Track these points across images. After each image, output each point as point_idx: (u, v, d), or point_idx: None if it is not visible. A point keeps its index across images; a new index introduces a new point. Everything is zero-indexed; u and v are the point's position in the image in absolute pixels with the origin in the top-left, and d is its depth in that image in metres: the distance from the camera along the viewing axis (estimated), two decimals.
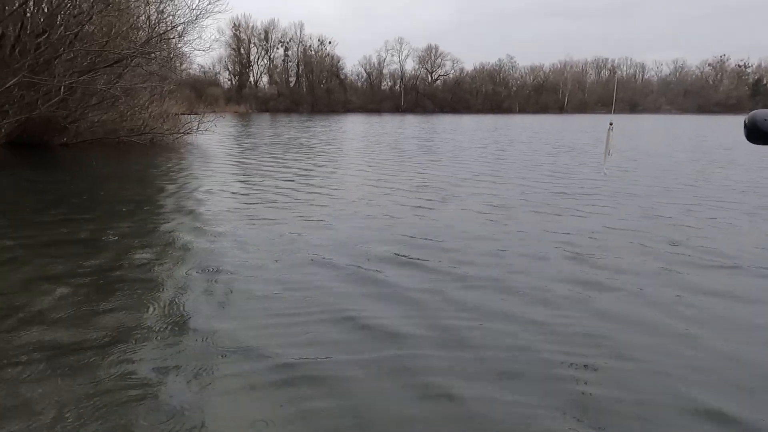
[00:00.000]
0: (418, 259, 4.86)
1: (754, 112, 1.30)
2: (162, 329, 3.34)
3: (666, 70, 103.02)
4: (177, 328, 3.36)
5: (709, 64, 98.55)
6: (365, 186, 9.39)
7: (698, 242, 5.55)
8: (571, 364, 2.94)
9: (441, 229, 6.05)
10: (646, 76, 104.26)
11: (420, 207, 7.41)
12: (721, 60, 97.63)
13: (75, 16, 14.73)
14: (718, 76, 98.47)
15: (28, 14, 14.71)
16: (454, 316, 3.57)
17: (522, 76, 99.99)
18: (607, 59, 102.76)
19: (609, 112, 75.18)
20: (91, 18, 14.96)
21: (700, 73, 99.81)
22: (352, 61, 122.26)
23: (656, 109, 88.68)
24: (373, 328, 3.39)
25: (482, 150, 17.45)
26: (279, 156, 14.88)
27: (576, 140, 22.79)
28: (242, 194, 8.47)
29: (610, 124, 3.06)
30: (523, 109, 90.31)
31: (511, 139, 23.26)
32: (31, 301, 3.77)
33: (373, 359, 2.97)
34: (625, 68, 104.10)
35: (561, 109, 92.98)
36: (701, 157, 15.37)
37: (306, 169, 11.70)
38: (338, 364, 2.92)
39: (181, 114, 22.16)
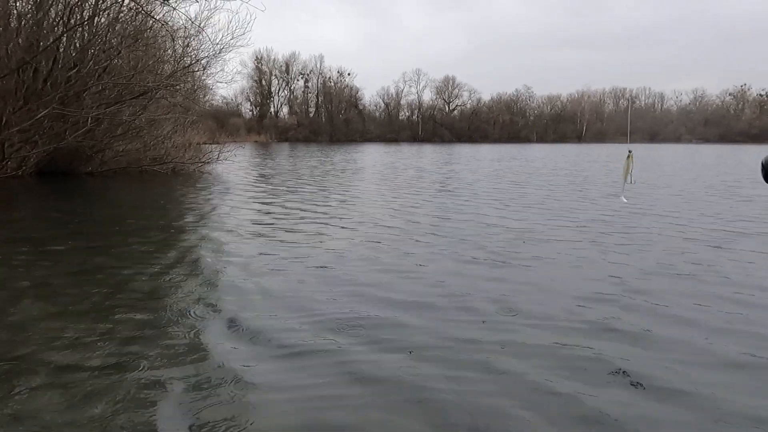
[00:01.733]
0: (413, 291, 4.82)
1: None
2: (179, 360, 3.33)
3: (686, 99, 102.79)
4: (194, 359, 3.35)
5: (729, 94, 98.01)
6: (387, 217, 9.39)
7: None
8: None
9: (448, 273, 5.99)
10: (665, 106, 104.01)
11: (428, 244, 7.36)
12: (742, 89, 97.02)
13: (105, 51, 15.39)
14: (740, 105, 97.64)
15: (61, 49, 15.42)
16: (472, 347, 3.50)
17: (539, 106, 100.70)
18: (625, 89, 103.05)
19: (629, 141, 74.71)
20: (119, 53, 15.61)
21: (720, 102, 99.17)
22: (370, 92, 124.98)
23: (676, 139, 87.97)
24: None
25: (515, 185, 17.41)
26: (296, 185, 15.06)
27: (592, 170, 22.62)
28: (259, 222, 8.54)
29: (629, 151, 3.03)
30: (541, 139, 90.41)
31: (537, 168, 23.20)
32: (51, 326, 3.81)
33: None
34: (643, 98, 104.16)
35: (579, 139, 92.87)
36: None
37: (323, 198, 11.79)
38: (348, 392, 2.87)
39: (203, 144, 22.73)
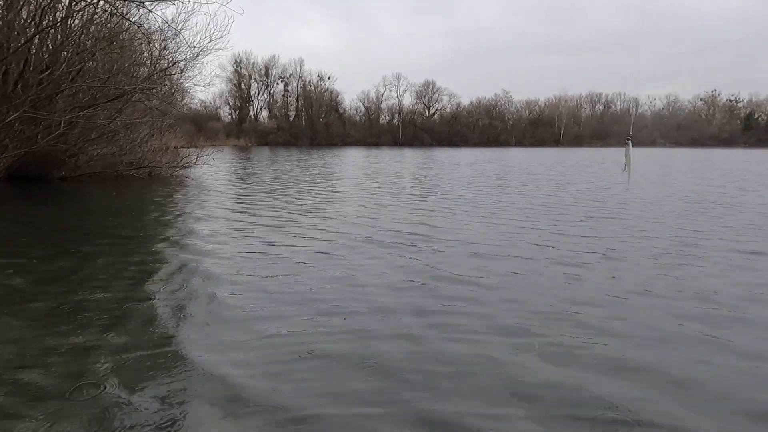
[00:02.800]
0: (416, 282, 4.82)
1: None
2: (155, 361, 3.28)
3: (659, 105, 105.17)
4: (169, 360, 3.30)
5: (701, 99, 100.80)
6: (364, 217, 9.38)
7: None
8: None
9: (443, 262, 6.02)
10: (639, 111, 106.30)
11: (414, 245, 7.38)
12: (712, 95, 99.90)
13: (78, 53, 15.06)
14: (711, 110, 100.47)
15: (33, 51, 15.04)
16: (450, 344, 3.51)
17: (518, 110, 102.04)
18: (601, 94, 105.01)
19: (604, 145, 76.15)
20: (94, 55, 15.30)
21: (692, 108, 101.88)
22: (350, 96, 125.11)
23: (651, 143, 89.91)
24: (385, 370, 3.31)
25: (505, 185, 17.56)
26: (275, 189, 14.94)
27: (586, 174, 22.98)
28: (234, 226, 8.45)
29: (628, 139, 2.97)
30: (520, 143, 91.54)
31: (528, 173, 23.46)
32: (24, 333, 3.70)
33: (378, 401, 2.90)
34: (618, 103, 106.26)
35: (557, 143, 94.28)
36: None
37: (302, 201, 11.73)
38: (324, 398, 2.84)
39: (181, 147, 22.42)
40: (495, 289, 5.01)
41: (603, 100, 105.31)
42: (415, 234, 7.87)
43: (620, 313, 4.32)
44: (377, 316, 4.23)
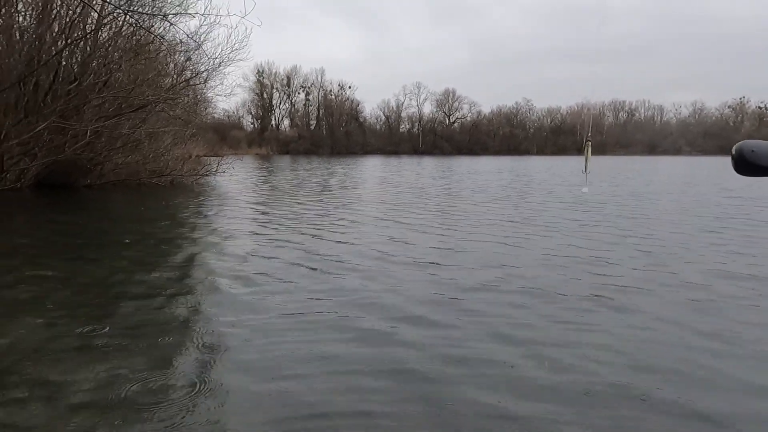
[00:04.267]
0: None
1: (741, 143, 1.28)
2: (179, 369, 3.34)
3: (685, 112, 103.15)
4: (186, 371, 3.35)
5: (729, 106, 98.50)
6: (385, 226, 9.41)
7: None
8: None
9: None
10: (664, 118, 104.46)
11: (440, 251, 7.37)
12: (741, 102, 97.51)
13: (105, 65, 15.57)
14: (739, 117, 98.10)
15: (63, 63, 15.60)
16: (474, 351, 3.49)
17: (539, 119, 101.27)
18: (624, 101, 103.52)
19: (628, 154, 74.99)
20: (120, 66, 15.79)
21: (720, 115, 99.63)
22: (371, 105, 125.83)
23: (676, 151, 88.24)
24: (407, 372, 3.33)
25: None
26: (296, 196, 15.10)
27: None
28: (255, 234, 8.57)
29: (587, 140, 3.01)
30: (541, 151, 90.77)
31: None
32: (48, 338, 3.82)
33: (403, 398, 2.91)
34: (643, 110, 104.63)
35: (579, 151, 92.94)
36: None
37: (323, 210, 11.82)
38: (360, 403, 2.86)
39: (203, 156, 22.86)
40: (513, 305, 4.96)
41: (626, 108, 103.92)
42: (437, 247, 7.85)
43: (635, 336, 4.22)
44: (396, 325, 4.24)
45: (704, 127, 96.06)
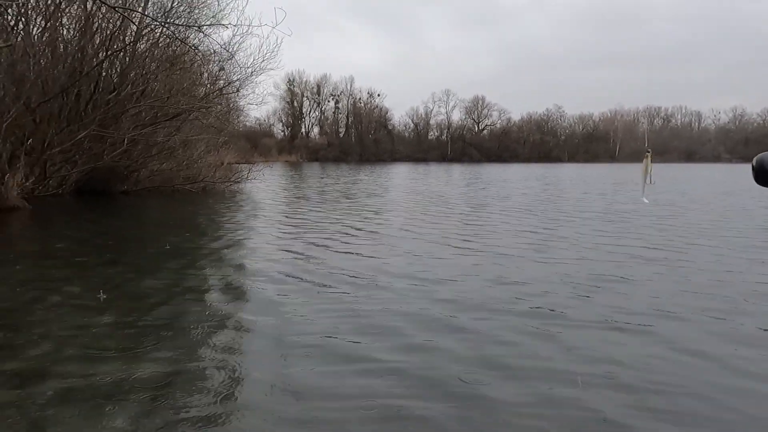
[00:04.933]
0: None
1: (761, 154, 1.29)
2: (207, 373, 3.40)
3: (724, 118, 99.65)
4: (221, 371, 3.41)
5: None
6: (415, 237, 9.38)
7: None
8: None
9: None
10: (702, 125, 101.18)
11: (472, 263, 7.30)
12: None
13: (143, 75, 16.10)
14: None
15: (103, 73, 16.21)
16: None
17: (571, 125, 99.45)
18: (659, 107, 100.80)
19: (663, 161, 72.94)
20: (156, 77, 16.30)
21: (762, 121, 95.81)
22: (399, 112, 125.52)
23: (715, 158, 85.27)
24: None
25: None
26: (325, 203, 15.23)
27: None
28: (285, 240, 8.67)
29: (648, 151, 2.96)
30: (573, 158, 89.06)
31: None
32: (82, 337, 3.95)
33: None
34: (679, 116, 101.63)
35: (612, 158, 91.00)
36: None
37: (353, 217, 11.88)
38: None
39: (235, 163, 23.33)
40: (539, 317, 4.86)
41: (662, 114, 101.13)
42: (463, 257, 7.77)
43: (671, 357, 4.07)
44: (420, 333, 4.21)
45: (745, 134, 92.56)
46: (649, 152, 2.95)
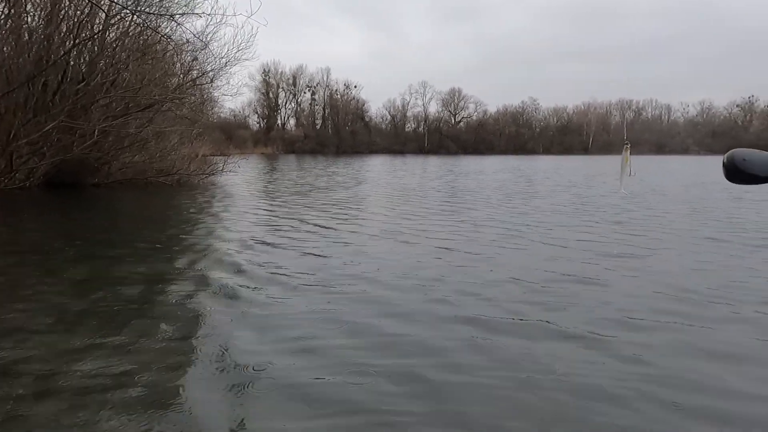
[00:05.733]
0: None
1: (732, 151, 1.29)
2: (184, 365, 3.40)
3: (693, 111, 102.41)
4: (200, 362, 3.41)
5: (737, 105, 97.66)
6: (392, 225, 9.45)
7: None
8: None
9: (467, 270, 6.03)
10: (672, 117, 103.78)
11: (448, 249, 7.40)
12: (749, 101, 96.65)
13: (113, 65, 15.69)
14: (748, 117, 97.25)
15: (71, 63, 15.73)
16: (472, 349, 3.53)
17: (545, 118, 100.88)
18: (631, 100, 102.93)
19: (635, 153, 74.60)
20: (127, 66, 15.91)
21: (728, 114, 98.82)
22: (376, 104, 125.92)
23: (684, 150, 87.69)
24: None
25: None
26: (299, 196, 15.17)
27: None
28: (261, 232, 8.63)
29: (626, 143, 3.03)
30: (547, 150, 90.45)
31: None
32: (52, 335, 3.89)
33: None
34: (650, 109, 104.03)
35: (586, 150, 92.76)
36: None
37: (329, 208, 11.87)
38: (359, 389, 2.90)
39: (209, 155, 22.98)
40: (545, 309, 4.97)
41: (633, 107, 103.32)
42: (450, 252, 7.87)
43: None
44: (407, 326, 4.28)
45: (712, 127, 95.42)
46: (627, 144, 3.02)
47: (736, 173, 1.27)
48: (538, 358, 3.53)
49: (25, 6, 14.89)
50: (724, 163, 1.28)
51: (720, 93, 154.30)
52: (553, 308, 4.62)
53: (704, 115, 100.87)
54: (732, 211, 11.76)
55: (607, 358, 3.54)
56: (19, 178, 14.78)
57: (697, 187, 19.87)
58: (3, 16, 14.38)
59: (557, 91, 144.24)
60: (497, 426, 2.74)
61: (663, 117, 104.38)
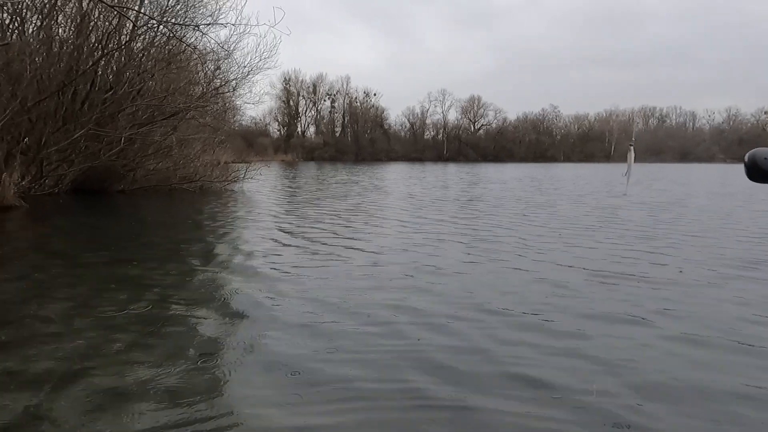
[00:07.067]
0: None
1: (754, 150, 1.29)
2: (203, 369, 3.40)
3: (719, 119, 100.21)
4: (217, 369, 3.42)
5: (765, 112, 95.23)
6: (409, 235, 9.41)
7: None
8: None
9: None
10: (697, 125, 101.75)
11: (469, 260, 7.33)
12: None
13: (139, 74, 16.06)
14: None
15: (99, 73, 16.14)
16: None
17: (566, 125, 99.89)
18: (654, 108, 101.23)
19: (658, 161, 73.43)
20: (153, 75, 16.26)
21: (756, 121, 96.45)
22: (395, 112, 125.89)
23: (709, 159, 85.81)
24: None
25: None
26: (321, 203, 15.24)
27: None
28: (284, 240, 8.67)
29: (630, 145, 2.99)
30: (568, 158, 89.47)
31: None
32: (77, 335, 3.95)
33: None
34: (674, 116, 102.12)
35: (608, 158, 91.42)
36: None
37: (349, 216, 11.89)
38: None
39: (230, 163, 23.29)
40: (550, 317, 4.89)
41: (657, 114, 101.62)
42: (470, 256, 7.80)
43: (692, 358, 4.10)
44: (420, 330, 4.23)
45: (739, 134, 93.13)
46: (631, 145, 2.98)
47: (758, 172, 1.28)
48: None
49: (57, 17, 15.36)
50: (745, 162, 1.29)
51: (747, 100, 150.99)
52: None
53: (731, 123, 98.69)
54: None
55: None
56: (48, 185, 15.16)
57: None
58: (35, 28, 14.85)
59: (578, 98, 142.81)
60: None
61: (687, 124, 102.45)
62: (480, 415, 2.91)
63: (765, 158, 1.26)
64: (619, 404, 3.00)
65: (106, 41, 15.36)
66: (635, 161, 2.93)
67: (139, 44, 16.74)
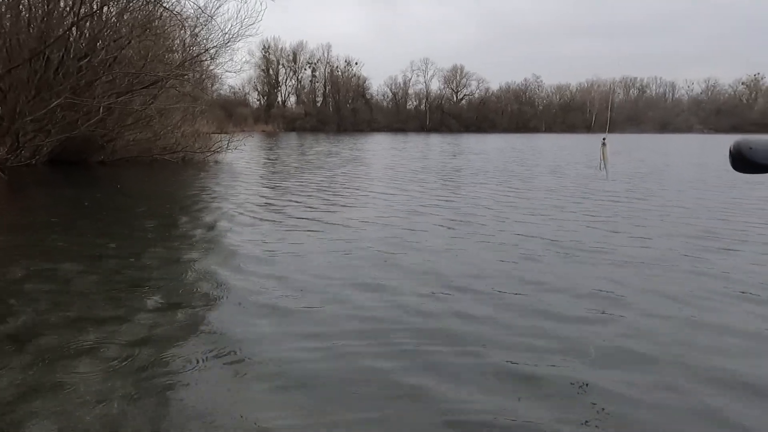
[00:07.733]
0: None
1: (738, 139, 1.23)
2: (188, 338, 3.48)
3: (697, 89, 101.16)
4: (201, 337, 3.50)
5: (742, 83, 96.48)
6: (391, 206, 9.49)
7: None
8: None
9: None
10: (676, 95, 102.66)
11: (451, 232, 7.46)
12: (755, 78, 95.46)
13: (115, 41, 15.50)
14: (753, 95, 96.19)
15: (72, 39, 15.53)
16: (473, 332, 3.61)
17: (548, 96, 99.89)
18: (635, 78, 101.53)
19: (639, 131, 74.21)
20: (129, 42, 15.71)
21: (733, 92, 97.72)
22: (377, 81, 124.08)
23: (687, 129, 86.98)
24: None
25: None
26: (302, 176, 15.18)
27: None
28: (268, 210, 8.68)
29: (603, 139, 3.04)
30: (550, 128, 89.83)
31: None
32: (60, 308, 3.97)
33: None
34: (654, 87, 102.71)
35: (588, 129, 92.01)
36: None
37: (331, 187, 11.90)
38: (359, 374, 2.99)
39: (212, 133, 22.88)
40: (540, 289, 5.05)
41: (638, 85, 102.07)
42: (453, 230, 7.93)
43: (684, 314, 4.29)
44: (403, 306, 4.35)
45: (717, 105, 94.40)
46: (604, 142, 3.03)
47: (743, 162, 1.21)
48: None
49: None
50: (730, 151, 1.22)
51: (725, 71, 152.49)
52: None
53: (709, 93, 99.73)
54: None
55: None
56: (24, 156, 14.77)
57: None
58: None
59: (561, 68, 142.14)
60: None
61: (667, 95, 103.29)
62: (447, 397, 2.81)
63: (750, 148, 1.19)
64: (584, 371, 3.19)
65: (78, 6, 14.72)
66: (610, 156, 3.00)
67: (112, 9, 16.09)
